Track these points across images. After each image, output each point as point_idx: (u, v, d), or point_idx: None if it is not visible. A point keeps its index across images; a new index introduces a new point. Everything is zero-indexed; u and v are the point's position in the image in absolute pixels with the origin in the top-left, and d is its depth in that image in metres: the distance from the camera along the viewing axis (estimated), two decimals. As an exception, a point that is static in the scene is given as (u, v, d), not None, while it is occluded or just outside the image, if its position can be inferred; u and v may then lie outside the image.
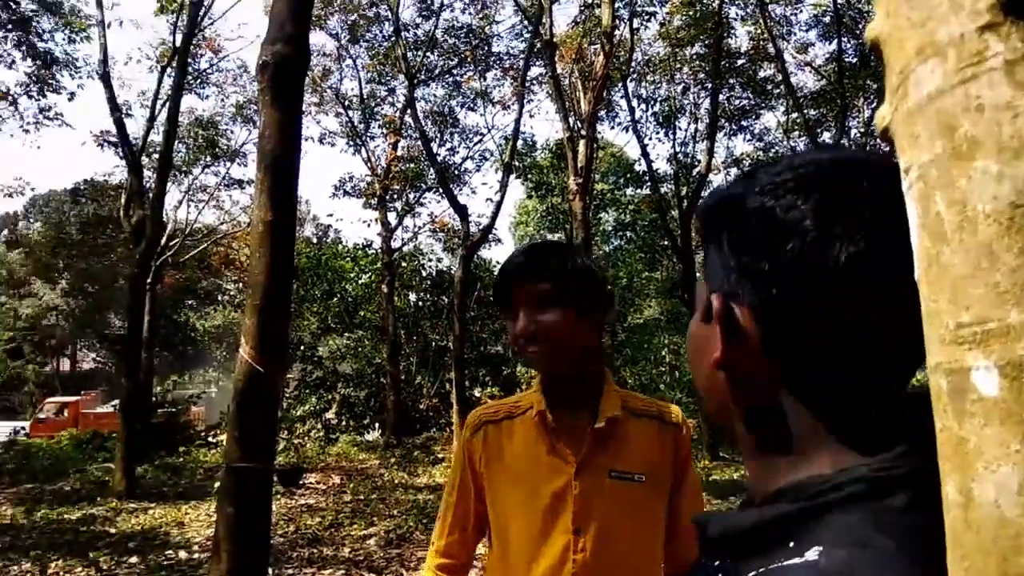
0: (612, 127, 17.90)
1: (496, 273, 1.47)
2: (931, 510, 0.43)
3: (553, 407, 1.45)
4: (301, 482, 10.05)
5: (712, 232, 0.62)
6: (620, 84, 13.69)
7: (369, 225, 23.07)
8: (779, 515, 0.52)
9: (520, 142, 15.57)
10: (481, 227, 13.47)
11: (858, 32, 14.12)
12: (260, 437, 3.25)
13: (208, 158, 18.64)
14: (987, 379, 0.28)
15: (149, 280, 11.56)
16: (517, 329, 1.39)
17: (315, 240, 26.79)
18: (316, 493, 9.45)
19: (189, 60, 12.78)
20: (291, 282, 3.48)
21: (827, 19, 14.65)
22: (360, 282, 17.98)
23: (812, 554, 0.47)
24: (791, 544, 0.49)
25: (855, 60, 13.99)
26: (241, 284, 20.30)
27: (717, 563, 0.57)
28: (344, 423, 16.78)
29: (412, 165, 17.00)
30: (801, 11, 15.78)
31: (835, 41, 13.55)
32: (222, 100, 19.43)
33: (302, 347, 16.77)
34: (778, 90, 15.49)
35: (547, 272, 1.41)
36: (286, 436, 13.30)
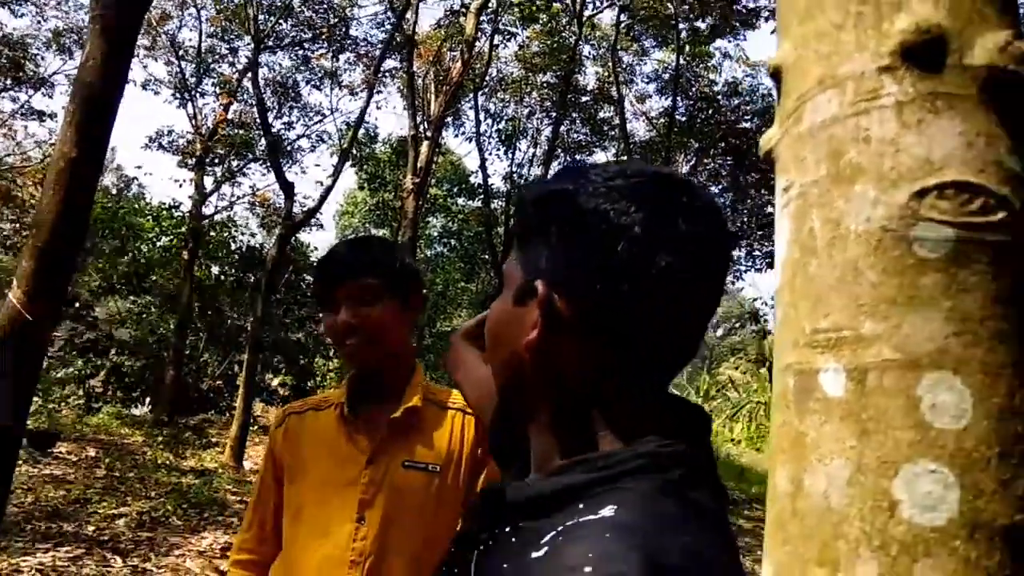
0: (456, 135, 18.09)
1: (317, 265, 1.49)
2: (704, 488, 0.56)
3: (359, 401, 1.48)
4: (51, 450, 9.03)
5: (540, 221, 0.65)
6: (471, 95, 13.87)
7: (181, 185, 21.40)
8: (577, 482, 0.58)
9: (362, 131, 15.26)
10: (306, 208, 12.97)
11: (691, 93, 15.39)
12: (16, 394, 2.88)
13: (9, 81, 16.42)
14: (834, 381, 0.30)
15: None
16: (338, 321, 1.41)
17: (115, 191, 24.41)
18: (66, 464, 8.53)
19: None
20: (84, 228, 3.14)
21: (666, 76, 15.81)
22: (158, 244, 16.57)
23: (606, 511, 0.53)
24: (581, 506, 0.55)
25: (684, 119, 15.20)
26: (21, 225, 17.98)
27: (508, 528, 0.61)
28: (111, 393, 15.30)
29: (242, 131, 16.05)
30: (646, 63, 16.92)
31: (670, 97, 14.65)
32: (39, 22, 17.19)
33: (77, 304, 15.13)
34: (613, 132, 16.45)
35: (376, 267, 1.45)
36: (40, 399, 11.90)
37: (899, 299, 0.29)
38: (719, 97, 15.33)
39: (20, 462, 7.53)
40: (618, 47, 14.69)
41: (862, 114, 0.31)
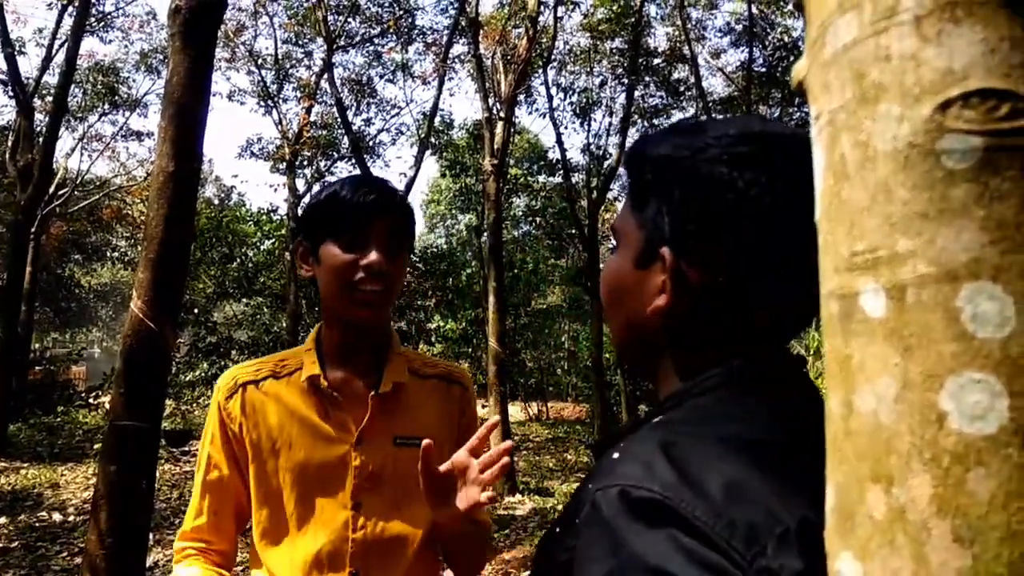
0: (530, 112, 17.99)
1: (339, 191, 1.28)
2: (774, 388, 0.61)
3: (330, 370, 1.31)
4: (187, 448, 9.70)
5: (661, 185, 0.65)
6: (541, 70, 13.75)
7: (276, 190, 22.30)
8: (638, 419, 0.64)
9: (438, 119, 15.43)
10: (393, 201, 13.25)
11: (768, 42, 14.71)
12: (148, 395, 3.12)
13: (106, 106, 17.53)
14: (874, 301, 0.31)
15: (33, 229, 10.80)
16: (371, 262, 1.23)
17: (217, 202, 25.71)
18: (203, 461, 9.13)
19: (92, 0, 11.96)
20: (190, 237, 3.34)
21: (740, 27, 15.17)
22: (263, 248, 17.37)
23: (614, 451, 0.57)
24: (620, 444, 0.59)
25: (763, 69, 14.56)
26: (133, 240, 19.23)
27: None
28: (236, 392, 16.21)
29: (325, 132, 16.54)
30: (716, 17, 16.31)
31: (746, 49, 14.06)
32: (126, 46, 18.25)
33: (196, 311, 16.09)
34: (690, 92, 15.96)
35: (407, 208, 1.32)
36: (173, 402, 12.78)
37: (931, 213, 0.29)
38: (799, 43, 14.59)
39: (162, 460, 8.13)
40: (686, 3, 14.20)
41: (881, 33, 0.31)
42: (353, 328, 1.30)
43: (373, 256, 1.23)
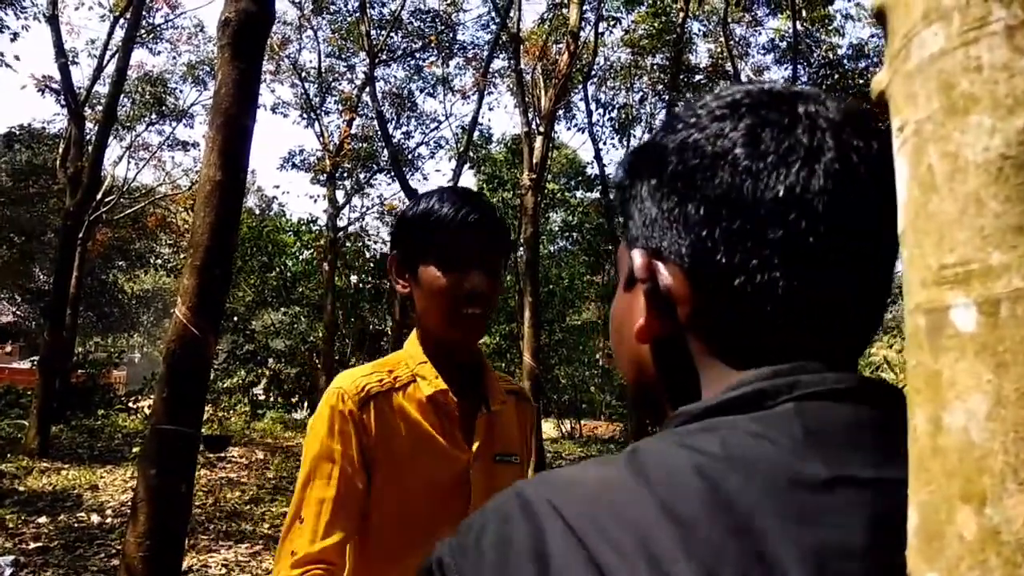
0: (569, 128, 18.03)
1: (444, 213, 1.23)
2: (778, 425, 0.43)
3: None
4: (224, 454, 9.83)
5: (633, 186, 0.55)
6: (580, 86, 13.80)
7: (316, 201, 22.71)
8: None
9: (477, 133, 15.56)
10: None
11: (812, 60, 14.57)
12: (190, 400, 3.17)
13: (154, 116, 18.03)
14: (965, 316, 0.30)
15: (80, 235, 11.11)
16: (474, 285, 1.21)
17: (258, 212, 26.19)
18: (238, 467, 9.27)
19: (144, 13, 12.33)
20: (234, 245, 3.40)
21: (783, 44, 15.06)
22: (301, 258, 17.65)
23: None
24: None
25: (807, 88, 14.42)
26: (177, 248, 19.65)
27: None
28: (272, 399, 16.47)
29: (365, 145, 16.79)
30: (760, 34, 16.18)
31: (790, 67, 13.94)
32: (174, 58, 18.84)
33: (235, 318, 16.38)
34: (732, 109, 15.84)
35: (501, 227, 1.29)
36: (210, 408, 12.99)
37: (1026, 226, 0.28)
38: (844, 61, 14.42)
39: (198, 466, 8.26)
40: (729, 20, 14.15)
41: (971, 43, 0.30)
42: (450, 347, 1.29)
43: (475, 280, 1.21)
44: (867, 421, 0.44)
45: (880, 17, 0.38)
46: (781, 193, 0.47)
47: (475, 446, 1.27)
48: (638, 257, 0.52)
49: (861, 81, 13.72)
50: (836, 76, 14.10)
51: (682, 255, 0.50)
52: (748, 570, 0.37)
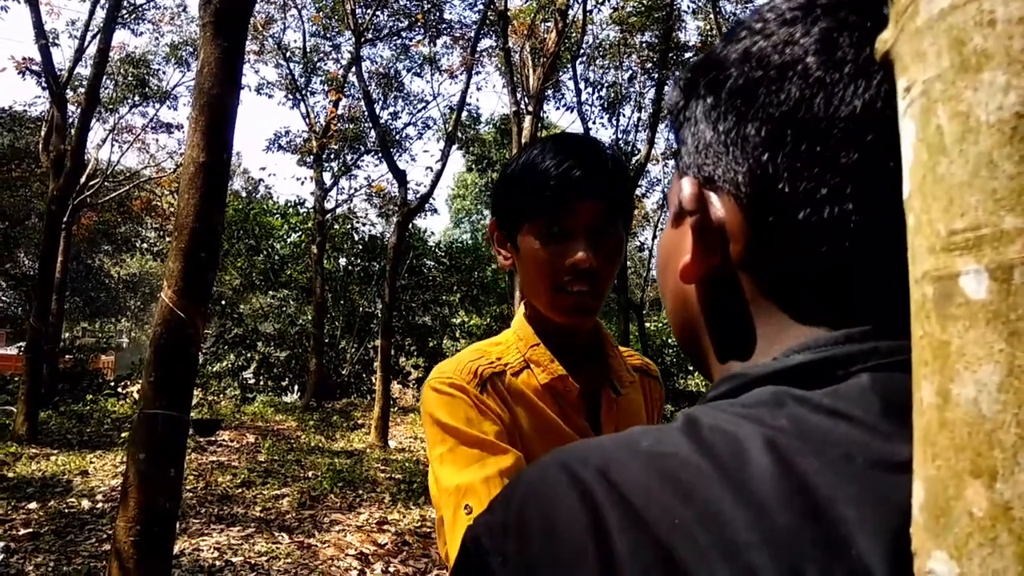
0: (557, 107, 17.96)
1: (530, 169, 1.05)
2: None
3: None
4: (215, 438, 9.82)
5: (687, 107, 0.49)
6: (569, 64, 13.72)
7: (303, 183, 22.46)
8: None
9: (465, 114, 15.45)
10: (419, 195, 13.33)
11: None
12: (178, 384, 3.15)
13: (137, 98, 17.79)
14: (976, 283, 0.29)
15: (65, 219, 10.98)
16: (576, 259, 1.02)
17: (244, 195, 25.98)
18: (229, 451, 9.26)
19: (123, -8, 12.12)
20: (221, 228, 3.36)
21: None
22: (289, 241, 17.57)
23: None
24: None
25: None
26: (163, 231, 19.49)
27: None
28: (262, 383, 16.46)
29: (352, 125, 16.65)
30: (749, 10, 16.10)
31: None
32: (156, 39, 18.50)
33: (223, 302, 16.31)
34: (721, 87, 15.79)
35: (617, 189, 1.06)
36: (200, 393, 12.97)
37: (1043, 187, 0.27)
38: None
39: (188, 450, 8.23)
40: (718, -6, 14.07)
41: (984, -5, 0.29)
42: (559, 328, 1.11)
43: (580, 251, 1.02)
44: None
45: (884, -27, 0.36)
46: (858, 110, 0.40)
47: (597, 431, 1.11)
48: (687, 186, 0.46)
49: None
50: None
51: (738, 183, 0.44)
52: (829, 563, 0.33)
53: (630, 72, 15.99)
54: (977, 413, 0.28)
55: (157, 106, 18.33)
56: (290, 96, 16.39)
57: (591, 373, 1.13)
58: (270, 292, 17.14)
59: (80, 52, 11.74)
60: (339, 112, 15.99)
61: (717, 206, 0.45)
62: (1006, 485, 0.27)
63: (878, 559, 0.34)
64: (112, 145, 18.50)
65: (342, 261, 17.51)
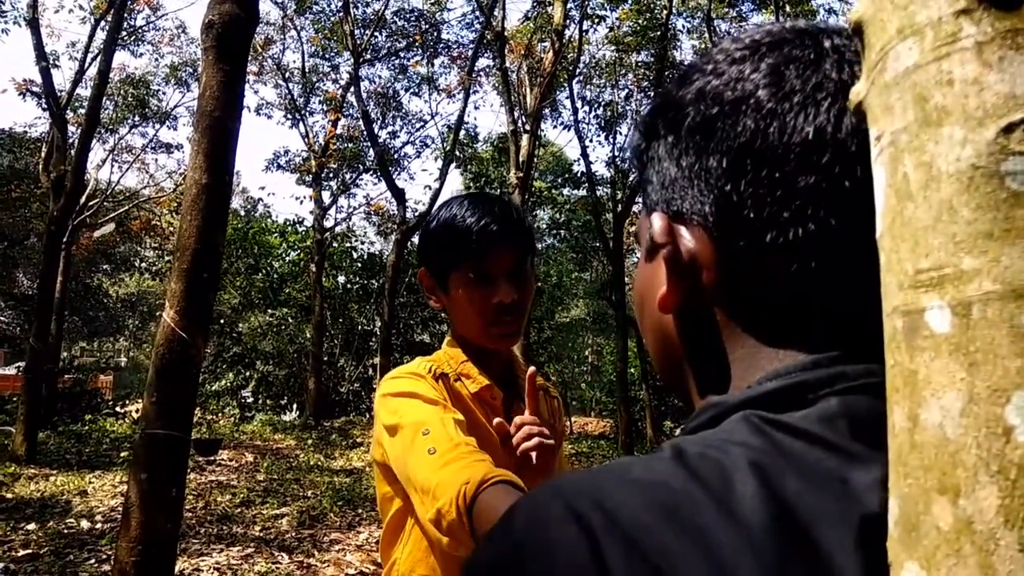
0: (555, 126, 18.04)
1: (454, 231, 1.25)
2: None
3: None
4: (213, 458, 9.79)
5: (649, 148, 0.51)
6: (566, 84, 13.82)
7: (302, 202, 22.54)
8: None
9: (463, 132, 15.55)
10: (418, 213, 13.38)
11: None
12: (179, 404, 3.16)
13: (136, 118, 17.88)
14: (940, 317, 0.32)
15: (65, 239, 11.02)
16: (503, 298, 1.23)
17: (243, 213, 26.04)
18: (228, 470, 9.23)
19: (125, 15, 12.24)
20: (222, 249, 3.39)
21: (768, 40, 15.11)
22: (288, 259, 17.61)
23: None
24: None
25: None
26: (162, 251, 19.51)
27: None
28: (261, 402, 16.42)
29: (351, 145, 16.74)
30: (744, 30, 16.24)
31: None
32: (156, 60, 18.68)
33: (221, 321, 16.31)
34: (717, 105, 15.90)
35: (526, 234, 1.29)
36: (199, 412, 12.93)
37: (995, 233, 0.30)
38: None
39: (188, 470, 8.21)
40: (713, 16, 14.22)
41: (943, 58, 0.32)
42: (482, 351, 1.33)
43: (503, 293, 1.23)
44: None
45: (858, 31, 0.39)
46: (811, 135, 0.42)
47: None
48: (657, 220, 0.47)
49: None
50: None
51: (705, 214, 0.46)
52: None
53: (626, 91, 16.12)
54: (942, 436, 0.31)
55: (157, 126, 18.43)
56: (289, 116, 16.51)
57: (505, 388, 1.35)
58: (269, 311, 17.13)
59: (80, 73, 11.85)
60: (338, 132, 16.10)
61: (687, 237, 0.47)
62: (968, 501, 0.30)
63: (856, 574, 0.36)
64: (112, 165, 18.59)
65: (341, 279, 17.54)
